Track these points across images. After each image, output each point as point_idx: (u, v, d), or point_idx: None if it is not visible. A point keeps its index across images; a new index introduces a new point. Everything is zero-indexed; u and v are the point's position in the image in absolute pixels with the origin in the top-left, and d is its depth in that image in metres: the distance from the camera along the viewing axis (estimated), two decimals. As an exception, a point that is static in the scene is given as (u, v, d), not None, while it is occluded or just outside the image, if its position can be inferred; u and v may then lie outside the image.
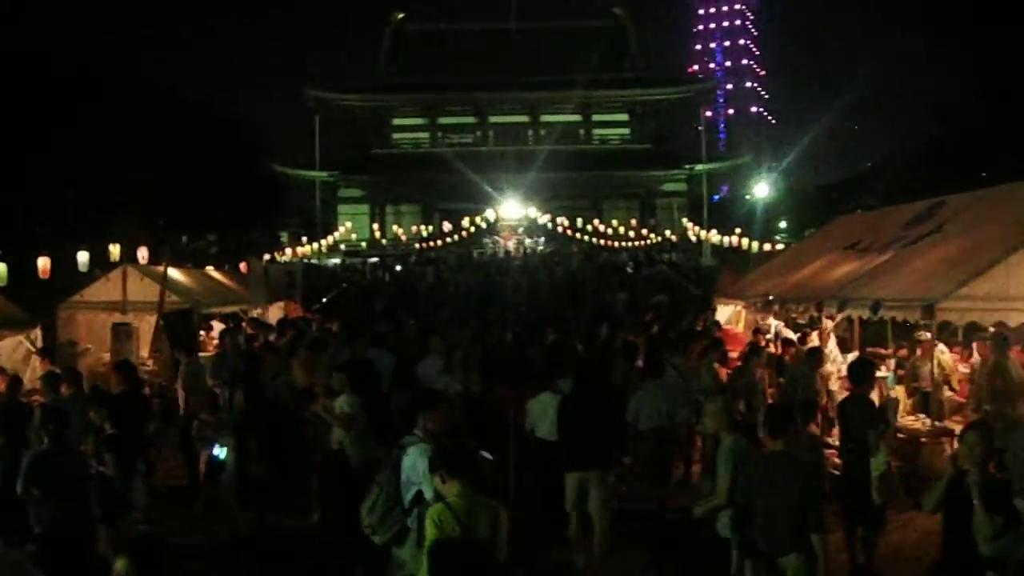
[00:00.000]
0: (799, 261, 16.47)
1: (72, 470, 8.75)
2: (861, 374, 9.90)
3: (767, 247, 36.76)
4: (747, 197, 76.05)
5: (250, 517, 11.29)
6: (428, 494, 7.07)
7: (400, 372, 13.22)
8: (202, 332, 19.43)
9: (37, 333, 15.57)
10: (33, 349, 15.14)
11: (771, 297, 14.86)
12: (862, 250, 14.47)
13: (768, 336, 16.53)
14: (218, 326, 19.68)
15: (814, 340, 15.47)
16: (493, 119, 76.22)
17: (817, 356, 13.02)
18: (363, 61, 78.62)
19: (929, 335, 12.32)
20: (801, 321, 15.59)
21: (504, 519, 6.43)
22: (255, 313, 22.38)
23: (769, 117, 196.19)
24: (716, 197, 75.97)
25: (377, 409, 10.42)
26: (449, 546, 6.19)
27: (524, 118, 76.28)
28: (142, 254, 22.56)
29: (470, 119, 76.63)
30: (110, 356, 17.26)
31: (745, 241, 36.83)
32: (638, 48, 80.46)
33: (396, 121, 76.34)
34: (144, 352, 18.15)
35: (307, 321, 21.46)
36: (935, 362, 12.56)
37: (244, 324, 19.81)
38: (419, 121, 76.64)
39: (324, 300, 33.16)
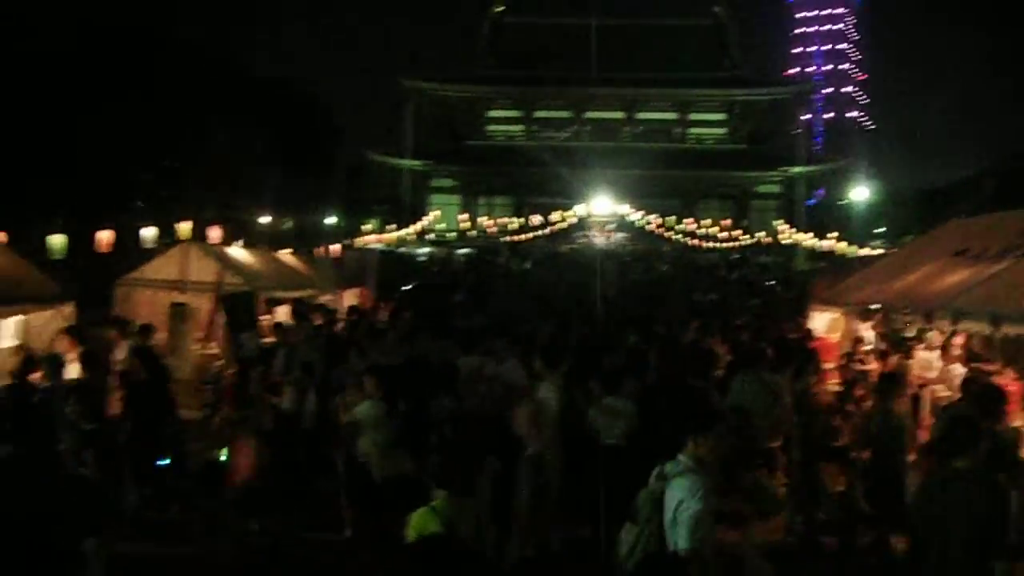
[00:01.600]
0: (904, 267, 15.59)
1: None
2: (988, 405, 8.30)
3: (864, 252, 35.86)
4: (843, 202, 74.67)
5: (260, 527, 9.85)
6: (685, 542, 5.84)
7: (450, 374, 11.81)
8: (264, 316, 18.83)
9: (71, 309, 14.45)
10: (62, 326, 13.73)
11: (873, 305, 14.09)
12: (973, 257, 13.71)
13: (866, 348, 15.90)
14: (283, 311, 18.91)
15: (922, 356, 14.84)
16: (588, 114, 75.65)
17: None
18: (459, 52, 78.56)
19: None
20: (909, 334, 14.78)
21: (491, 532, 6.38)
22: (324, 300, 21.98)
23: (867, 123, 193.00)
24: (811, 201, 74.56)
25: (415, 418, 9.89)
26: (432, 540, 5.79)
27: (619, 114, 75.67)
28: (214, 233, 22.05)
29: (565, 113, 76.22)
30: (167, 337, 16.67)
31: (842, 245, 35.90)
32: (737, 48, 79.36)
33: (491, 113, 76.42)
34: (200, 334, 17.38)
35: (374, 309, 20.88)
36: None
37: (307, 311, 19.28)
38: (514, 114, 76.53)
39: (402, 289, 32.87)
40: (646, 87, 72.33)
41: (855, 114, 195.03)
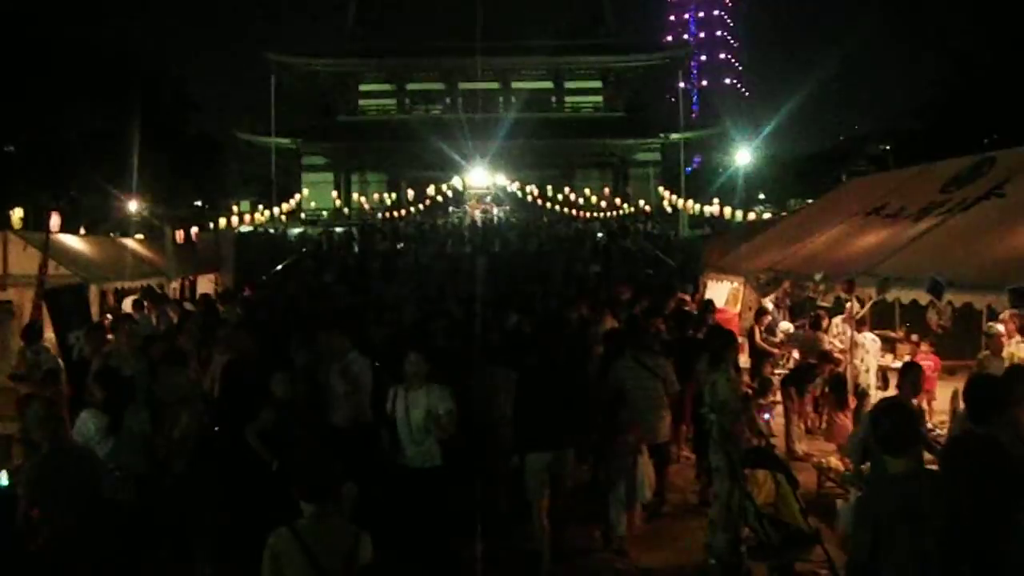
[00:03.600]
0: (808, 229, 14.13)
1: None
2: (984, 405, 6.47)
3: (751, 216, 34.62)
4: (722, 168, 74.34)
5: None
6: None
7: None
8: (108, 314, 16.66)
9: None
10: None
11: (779, 273, 12.47)
12: (890, 216, 12.27)
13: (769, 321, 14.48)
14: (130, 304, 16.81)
15: (837, 326, 13.52)
16: (462, 86, 73.96)
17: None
18: (328, 25, 76.10)
19: (1002, 327, 10.25)
20: (824, 304, 13.29)
21: (367, 550, 5.46)
22: (171, 289, 19.84)
23: (742, 89, 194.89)
24: (689, 169, 74.09)
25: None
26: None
27: (494, 85, 74.18)
28: (54, 221, 19.84)
29: (439, 85, 74.58)
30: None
31: (727, 211, 34.58)
32: (612, 15, 78.31)
33: (362, 87, 74.20)
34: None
35: (228, 295, 18.86)
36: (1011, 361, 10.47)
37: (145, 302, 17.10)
38: (386, 87, 74.46)
39: (270, 271, 30.79)
40: (520, 56, 70.61)
41: (730, 80, 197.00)
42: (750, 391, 10.87)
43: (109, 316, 16.73)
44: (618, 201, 54.79)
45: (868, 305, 11.13)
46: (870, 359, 12.60)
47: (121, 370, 10.51)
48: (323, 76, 71.56)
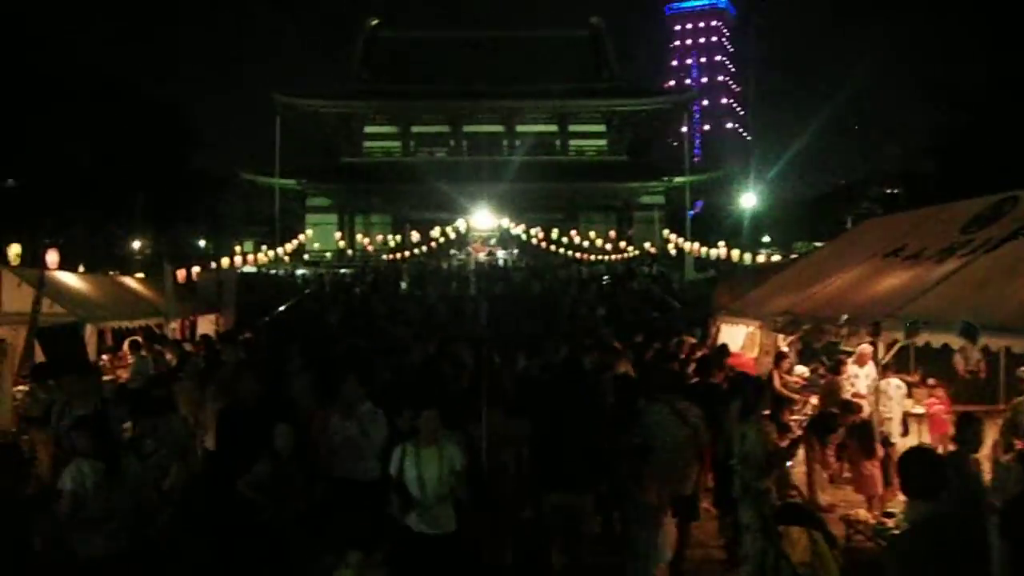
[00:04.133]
0: (824, 272, 13.83)
1: None
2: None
3: (759, 259, 34.32)
4: (726, 211, 74.36)
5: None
6: None
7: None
8: (105, 354, 16.27)
9: None
10: None
11: (797, 316, 12.11)
12: (910, 257, 11.97)
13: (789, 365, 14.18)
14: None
15: (851, 372, 13.20)
16: (467, 128, 74.08)
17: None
18: (335, 68, 76.38)
19: None
20: (848, 348, 12.93)
21: None
22: (170, 329, 19.46)
23: (744, 134, 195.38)
24: (691, 213, 74.00)
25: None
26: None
27: (499, 128, 74.12)
28: (52, 258, 19.55)
29: (443, 128, 74.39)
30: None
31: (735, 253, 34.26)
32: (615, 59, 78.64)
33: (367, 129, 74.05)
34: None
35: (228, 336, 18.47)
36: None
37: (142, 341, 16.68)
38: (391, 129, 74.31)
39: (273, 313, 30.46)
40: (524, 99, 70.61)
41: (732, 125, 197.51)
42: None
43: (105, 357, 16.41)
44: (623, 244, 54.59)
45: (895, 349, 10.79)
46: (894, 405, 12.25)
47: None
48: (328, 118, 71.41)
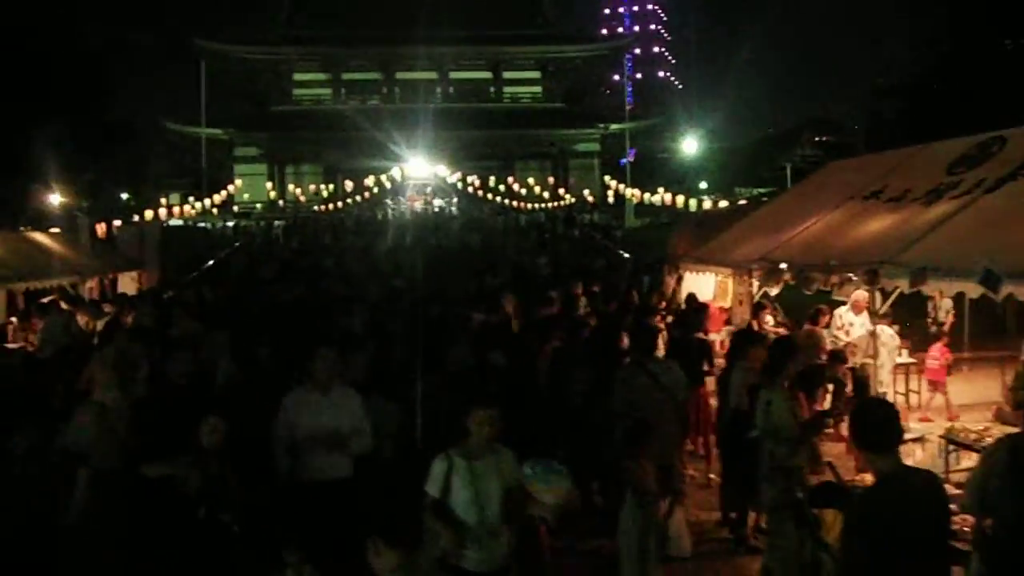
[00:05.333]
0: (796, 216, 12.95)
1: None
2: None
3: (707, 205, 33.54)
4: (662, 157, 73.93)
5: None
6: None
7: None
8: (13, 318, 14.98)
9: None
10: None
11: (783, 264, 11.21)
12: (892, 199, 11.15)
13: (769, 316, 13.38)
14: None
15: (838, 318, 12.49)
16: (399, 75, 72.98)
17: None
18: (263, 15, 74.32)
19: None
20: (841, 296, 12.16)
21: None
22: (87, 289, 18.11)
23: (676, 82, 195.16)
24: (623, 161, 73.51)
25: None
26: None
27: (432, 75, 73.03)
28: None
29: (375, 75, 73.19)
30: None
31: (680, 199, 33.50)
32: (550, 6, 77.49)
33: (296, 76, 72.71)
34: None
35: (128, 298, 17.03)
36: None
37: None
38: (321, 76, 72.96)
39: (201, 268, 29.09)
40: (457, 45, 69.58)
41: (664, 73, 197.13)
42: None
43: (15, 320, 15.12)
44: (561, 192, 53.88)
45: (892, 297, 10.02)
46: (885, 354, 11.54)
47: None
48: (256, 65, 69.75)
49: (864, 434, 5.00)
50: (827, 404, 10.82)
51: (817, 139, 65.40)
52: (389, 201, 58.10)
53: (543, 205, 52.63)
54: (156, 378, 8.67)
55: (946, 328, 15.29)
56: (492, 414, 5.96)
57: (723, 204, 32.61)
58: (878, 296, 10.11)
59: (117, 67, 56.96)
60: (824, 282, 10.23)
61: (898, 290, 9.37)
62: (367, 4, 69.29)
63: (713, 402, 10.88)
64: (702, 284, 15.23)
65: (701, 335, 12.06)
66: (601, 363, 9.69)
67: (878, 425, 4.94)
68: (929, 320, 15.70)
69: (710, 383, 11.29)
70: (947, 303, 15.19)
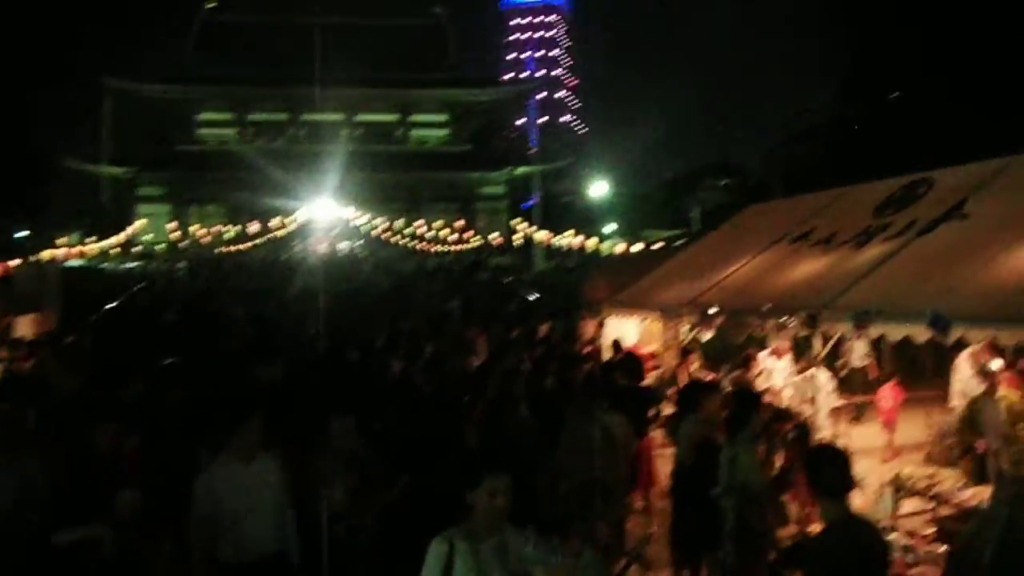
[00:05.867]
0: (721, 259, 12.98)
1: None
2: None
3: (620, 248, 33.62)
4: (567, 200, 74.40)
5: None
6: None
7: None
8: None
9: None
10: None
11: (714, 309, 11.07)
12: (821, 242, 11.21)
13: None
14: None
15: (760, 362, 12.38)
16: (306, 116, 72.07)
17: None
18: (169, 53, 73.77)
19: (998, 365, 9.25)
20: (780, 342, 11.98)
21: None
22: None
23: (579, 127, 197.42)
24: (527, 204, 73.85)
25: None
26: None
27: (339, 116, 72.43)
28: None
29: (282, 116, 72.50)
30: None
31: (592, 241, 33.52)
32: (457, 49, 78.13)
33: (202, 116, 71.71)
34: None
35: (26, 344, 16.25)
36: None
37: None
38: (227, 116, 72.05)
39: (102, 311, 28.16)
40: (365, 87, 69.22)
41: (568, 118, 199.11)
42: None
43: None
44: (468, 235, 53.80)
45: (832, 341, 10.00)
46: (822, 399, 11.49)
47: None
48: (161, 103, 68.54)
49: (820, 480, 5.10)
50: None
51: (722, 183, 66.46)
52: (296, 243, 57.36)
53: (451, 248, 52.50)
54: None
55: (872, 369, 15.44)
56: (506, 483, 5.09)
57: (637, 247, 32.71)
58: (817, 341, 10.06)
59: (15, 100, 55.61)
60: (760, 327, 10.17)
61: (839, 334, 9.37)
62: (274, 45, 69.03)
63: (660, 452, 10.60)
64: (626, 329, 15.05)
65: (643, 383, 11.75)
66: (542, 414, 9.37)
67: (834, 471, 5.04)
68: (840, 363, 15.75)
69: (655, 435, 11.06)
70: (862, 346, 15.24)
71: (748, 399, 8.25)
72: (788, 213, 13.98)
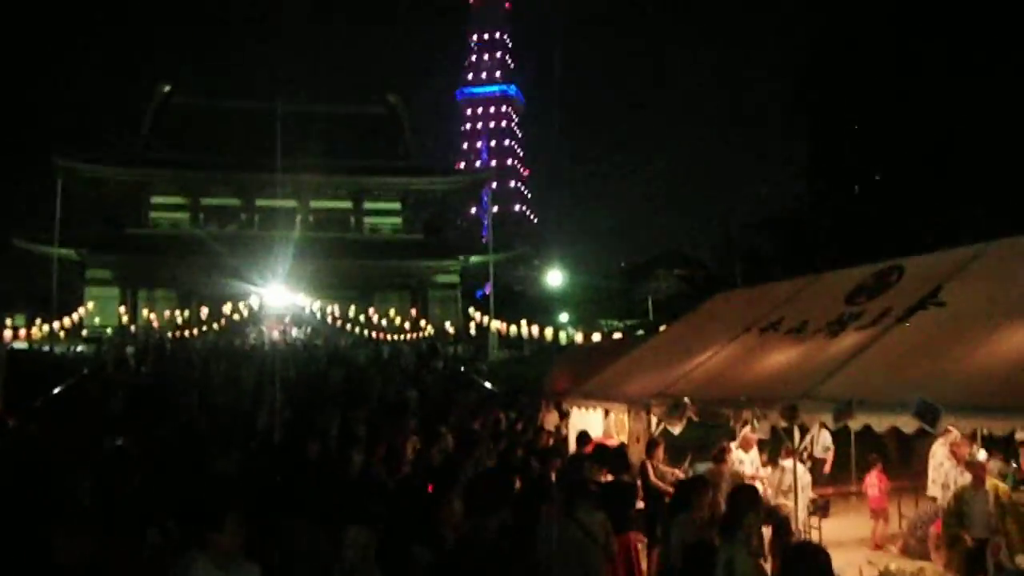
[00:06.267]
0: (687, 349, 12.85)
1: None
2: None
3: (578, 337, 33.45)
4: (519, 289, 74.58)
5: None
6: None
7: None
8: None
9: None
10: None
11: (685, 399, 10.84)
12: (792, 331, 11.09)
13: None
14: None
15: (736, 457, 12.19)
16: (259, 202, 72.07)
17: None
18: (123, 134, 73.66)
19: (983, 456, 9.11)
20: (759, 435, 11.71)
21: None
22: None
23: (532, 216, 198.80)
24: (480, 293, 74.02)
25: None
26: None
27: (292, 203, 72.22)
28: None
29: (234, 201, 72.27)
30: None
31: (548, 331, 33.36)
32: (411, 138, 78.38)
33: (154, 199, 71.13)
34: None
35: None
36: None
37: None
38: (179, 200, 71.56)
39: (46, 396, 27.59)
40: (318, 174, 69.21)
41: (520, 208, 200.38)
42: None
43: None
44: (422, 323, 53.55)
45: (812, 433, 9.82)
46: (800, 492, 11.27)
47: None
48: (112, 185, 68.14)
49: None
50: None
51: (676, 272, 66.91)
52: (249, 329, 56.74)
53: (403, 336, 52.18)
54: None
55: (828, 463, 15.30)
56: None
57: (596, 336, 32.53)
58: (796, 432, 9.83)
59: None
60: (735, 418, 9.98)
61: (817, 425, 9.20)
62: (228, 129, 69.00)
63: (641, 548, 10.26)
64: (590, 420, 14.79)
65: (625, 477, 11.35)
66: (515, 511, 8.98)
67: (817, 569, 4.99)
68: (805, 454, 15.60)
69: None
70: (825, 437, 15.10)
71: (745, 496, 7.88)
72: (754, 302, 13.90)
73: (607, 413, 14.32)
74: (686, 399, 10.73)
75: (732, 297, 15.96)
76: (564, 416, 15.70)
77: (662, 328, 21.36)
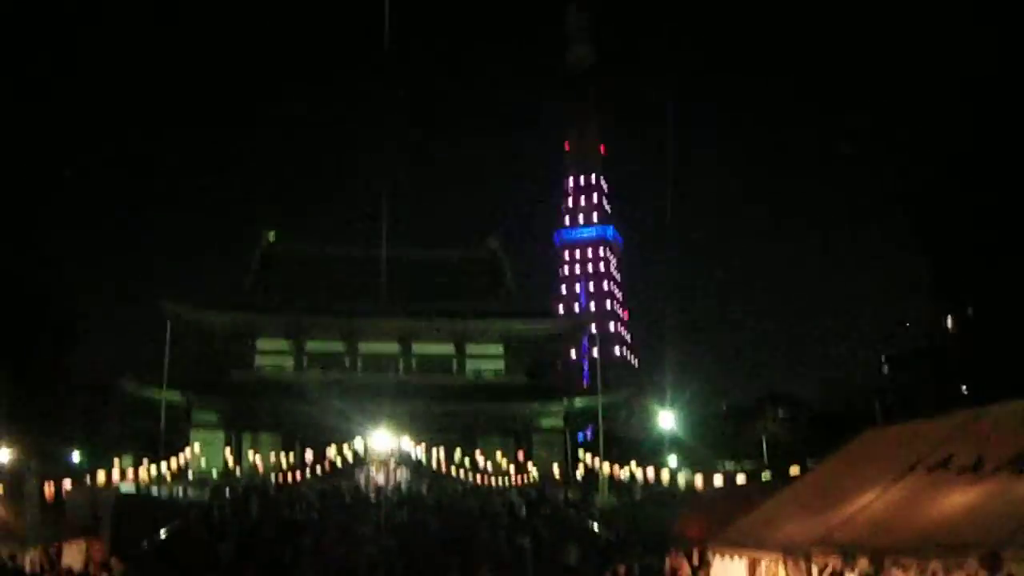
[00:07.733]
0: (843, 490, 11.90)
1: None
2: None
3: (699, 481, 32.13)
4: (621, 433, 73.48)
5: None
6: None
7: None
8: None
9: None
10: None
11: (845, 545, 9.85)
12: (967, 470, 10.12)
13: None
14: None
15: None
16: (362, 347, 72.19)
17: None
18: (229, 280, 75.48)
19: None
20: None
21: None
22: (27, 560, 16.39)
23: (632, 359, 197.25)
24: (581, 435, 72.99)
25: None
26: None
27: (395, 347, 72.36)
28: None
29: (338, 346, 72.43)
30: None
31: (664, 473, 32.17)
32: (512, 281, 78.49)
33: (259, 344, 71.96)
34: None
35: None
36: None
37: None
38: (283, 345, 72.19)
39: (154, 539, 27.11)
40: (421, 319, 69.61)
41: (620, 350, 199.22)
42: None
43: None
44: (529, 466, 52.60)
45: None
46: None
47: None
48: (219, 329, 69.27)
49: None
50: None
51: (780, 413, 65.75)
52: (357, 473, 56.30)
53: (509, 481, 51.21)
54: None
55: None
56: None
57: (717, 479, 31.11)
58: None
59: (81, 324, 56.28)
60: (922, 568, 8.95)
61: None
62: (332, 275, 70.26)
63: None
64: (732, 570, 13.78)
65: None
66: None
67: None
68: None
69: None
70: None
71: None
72: (911, 439, 12.90)
73: (754, 563, 13.26)
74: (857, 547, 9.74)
75: (886, 434, 14.93)
76: (700, 566, 14.68)
77: (793, 471, 20.33)
